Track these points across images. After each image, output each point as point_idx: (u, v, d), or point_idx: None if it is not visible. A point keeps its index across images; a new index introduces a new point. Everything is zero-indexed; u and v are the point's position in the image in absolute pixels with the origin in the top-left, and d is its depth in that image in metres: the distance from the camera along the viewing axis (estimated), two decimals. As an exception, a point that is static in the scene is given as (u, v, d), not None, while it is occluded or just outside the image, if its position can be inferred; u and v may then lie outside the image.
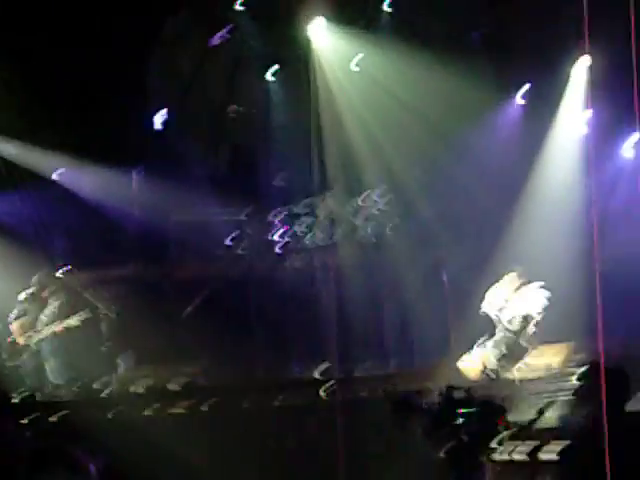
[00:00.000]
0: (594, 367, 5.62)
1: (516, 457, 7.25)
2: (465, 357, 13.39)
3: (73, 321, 12.72)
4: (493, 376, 12.44)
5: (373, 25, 20.68)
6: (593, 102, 18.05)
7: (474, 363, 12.95)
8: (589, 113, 18.08)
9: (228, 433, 11.19)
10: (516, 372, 12.68)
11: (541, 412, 6.66)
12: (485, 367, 12.60)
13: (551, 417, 7.42)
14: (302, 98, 19.72)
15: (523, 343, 12.86)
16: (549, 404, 8.41)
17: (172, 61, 20.15)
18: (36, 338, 12.72)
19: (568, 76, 18.48)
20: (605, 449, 4.92)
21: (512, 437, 6.50)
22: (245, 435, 11.32)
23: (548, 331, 13.35)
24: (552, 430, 7.55)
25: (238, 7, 19.99)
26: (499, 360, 12.71)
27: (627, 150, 19.19)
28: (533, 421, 6.55)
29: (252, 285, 17.39)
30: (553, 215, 16.54)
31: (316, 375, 12.55)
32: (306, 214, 17.32)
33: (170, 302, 16.88)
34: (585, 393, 5.74)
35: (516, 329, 12.84)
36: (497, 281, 13.49)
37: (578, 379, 6.02)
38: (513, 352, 12.81)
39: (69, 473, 2.51)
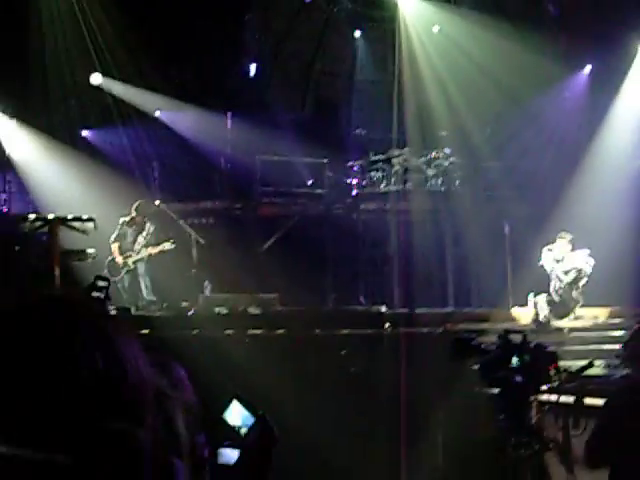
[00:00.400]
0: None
1: (563, 399, 7.16)
2: (520, 304, 13.35)
3: (167, 245, 12.85)
4: (544, 322, 12.33)
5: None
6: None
7: (528, 309, 12.87)
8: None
9: (300, 356, 11.25)
10: (566, 321, 12.59)
11: (590, 364, 6.53)
12: (537, 314, 12.49)
13: (597, 368, 7.36)
14: (386, 57, 19.60)
15: (574, 295, 12.71)
16: (596, 356, 8.32)
17: (266, 17, 20.12)
18: (134, 258, 12.90)
19: (634, 53, 18.10)
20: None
21: (562, 382, 6.37)
22: (315, 358, 11.37)
23: (596, 294, 13.18)
24: (598, 378, 7.46)
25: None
26: (551, 309, 12.58)
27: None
28: (582, 370, 6.42)
29: (328, 223, 17.43)
30: (610, 183, 16.25)
31: (382, 309, 12.52)
32: (383, 162, 17.21)
33: (253, 235, 16.99)
34: (630, 354, 5.64)
35: (569, 281, 12.69)
36: (553, 240, 13.27)
37: (625, 342, 5.89)
38: (565, 303, 12.71)
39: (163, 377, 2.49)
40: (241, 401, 2.54)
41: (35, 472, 1.21)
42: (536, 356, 5.98)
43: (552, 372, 6.18)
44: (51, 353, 1.28)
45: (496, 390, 6.10)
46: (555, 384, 6.42)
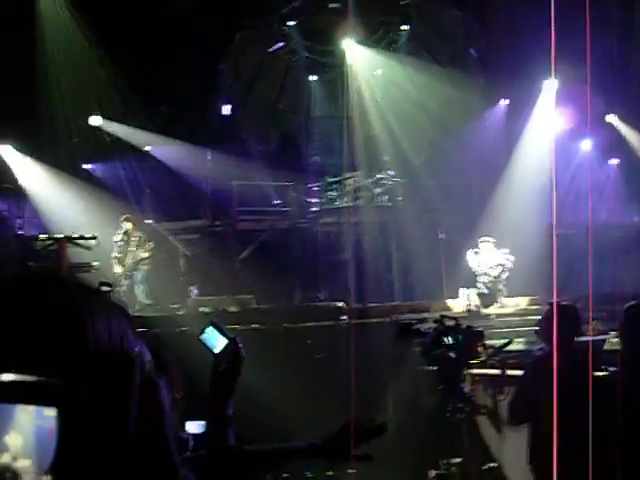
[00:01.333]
0: (551, 306, 5.56)
1: (490, 372, 7.19)
2: (453, 297, 13.39)
3: (150, 245, 12.68)
4: (475, 310, 12.36)
5: (393, 42, 20.54)
6: (559, 110, 17.94)
7: (460, 301, 12.91)
8: (556, 118, 18.00)
9: (272, 345, 11.19)
10: (492, 309, 12.63)
11: (510, 341, 6.56)
12: (469, 304, 12.52)
13: (518, 344, 7.39)
14: (337, 97, 19.65)
15: (499, 287, 12.77)
16: (518, 336, 8.38)
17: (237, 65, 20.13)
18: (129, 267, 12.75)
19: (541, 89, 18.35)
20: (554, 372, 4.90)
21: (488, 357, 6.40)
22: (285, 347, 11.32)
23: (517, 285, 13.25)
24: (518, 353, 7.47)
25: (290, 24, 19.95)
26: (480, 299, 12.62)
27: (582, 148, 19.17)
28: (503, 346, 6.45)
29: (294, 235, 17.44)
30: (525, 194, 16.41)
31: (339, 304, 12.49)
32: (337, 184, 17.25)
33: (232, 247, 16.94)
34: (543, 331, 5.66)
35: (494, 275, 12.73)
36: (477, 245, 13.32)
37: (539, 321, 5.91)
38: (491, 294, 12.75)
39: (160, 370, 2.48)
40: (216, 327, 2.59)
41: (32, 394, 1.16)
42: (466, 335, 5.98)
43: (480, 348, 6.21)
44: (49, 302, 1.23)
45: (434, 366, 6.11)
46: (483, 358, 6.45)
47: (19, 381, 1.15)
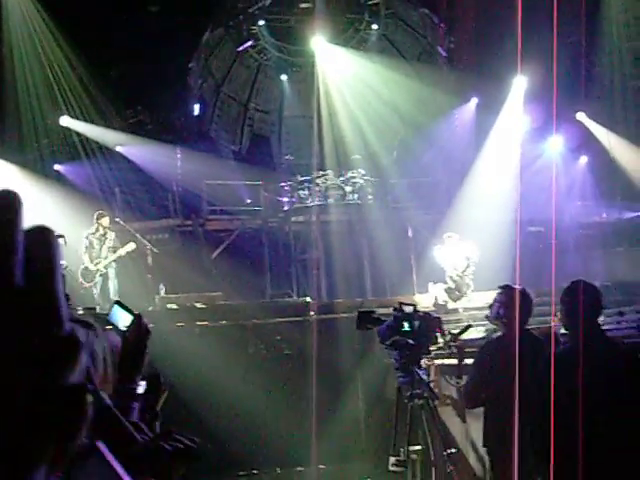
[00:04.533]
0: (502, 290, 5.65)
1: (453, 362, 7.30)
2: (423, 292, 13.50)
3: (131, 245, 12.64)
4: (443, 304, 12.45)
5: (363, 41, 20.70)
6: (527, 106, 18.15)
7: (428, 295, 13.01)
8: (524, 116, 18.23)
9: (241, 341, 11.23)
10: (460, 302, 12.70)
11: (468, 326, 6.65)
12: (436, 298, 12.62)
13: (476, 331, 7.48)
14: (308, 96, 19.76)
15: (466, 281, 12.83)
16: (475, 322, 8.49)
17: (207, 64, 20.17)
18: (104, 263, 12.70)
19: (510, 87, 18.52)
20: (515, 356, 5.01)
21: (446, 342, 6.49)
22: (255, 343, 11.36)
23: (484, 280, 13.34)
24: (478, 340, 7.57)
25: (260, 23, 20.03)
26: (448, 294, 12.71)
27: (548, 145, 19.36)
28: (461, 332, 6.53)
29: (265, 234, 17.49)
30: (491, 191, 16.54)
31: (307, 300, 12.54)
32: (308, 182, 17.32)
33: (202, 246, 16.94)
34: (494, 314, 5.76)
35: (461, 270, 12.79)
36: (441, 241, 13.39)
37: (490, 305, 5.99)
38: (458, 288, 12.79)
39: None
40: (121, 305, 2.72)
41: None
42: (424, 321, 6.06)
43: (438, 335, 6.29)
44: None
45: (393, 352, 6.17)
46: (441, 344, 6.54)
47: None
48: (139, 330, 2.68)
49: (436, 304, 12.57)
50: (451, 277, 12.83)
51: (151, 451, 2.07)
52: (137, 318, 2.71)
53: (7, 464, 0.80)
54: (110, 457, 1.50)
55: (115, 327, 2.75)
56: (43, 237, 1.03)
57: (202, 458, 2.43)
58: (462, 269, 12.80)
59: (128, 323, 2.71)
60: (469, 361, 6.88)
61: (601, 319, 6.47)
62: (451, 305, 12.62)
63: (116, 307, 2.79)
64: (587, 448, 4.00)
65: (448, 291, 12.82)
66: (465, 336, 6.79)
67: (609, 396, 4.04)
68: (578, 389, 4.01)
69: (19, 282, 0.85)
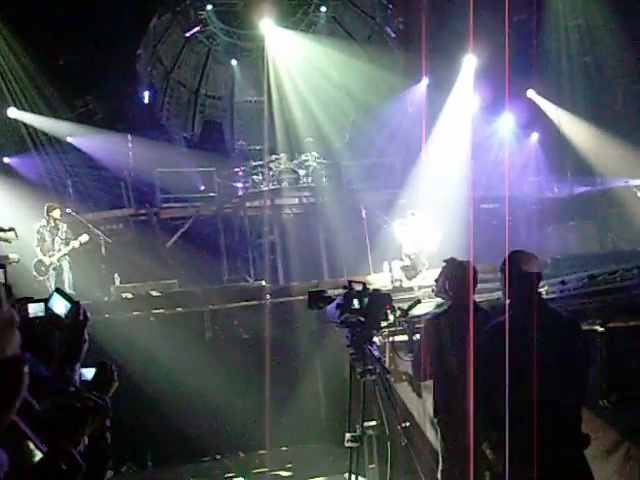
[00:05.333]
0: (447, 263, 5.75)
1: (397, 339, 7.37)
2: (378, 272, 13.59)
3: (84, 237, 12.53)
4: (398, 284, 12.52)
5: (312, 24, 20.69)
6: (477, 85, 18.34)
7: (383, 274, 13.10)
8: (475, 94, 18.42)
9: (198, 328, 11.26)
10: (415, 280, 12.75)
11: (418, 301, 6.71)
12: (392, 277, 12.68)
13: (427, 306, 7.55)
14: (259, 80, 19.71)
15: (422, 259, 12.87)
16: (424, 296, 8.58)
17: (155, 50, 20.00)
18: (57, 256, 12.57)
19: (460, 66, 18.68)
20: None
21: (397, 318, 6.56)
22: (212, 329, 11.39)
23: (439, 257, 13.41)
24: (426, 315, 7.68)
25: (208, 8, 19.92)
26: (404, 271, 12.76)
27: (500, 122, 19.62)
28: (410, 307, 6.60)
29: (220, 220, 17.47)
30: (445, 169, 16.70)
31: (263, 283, 12.57)
32: (262, 167, 17.33)
33: (157, 235, 16.85)
34: (439, 288, 5.83)
35: (419, 248, 12.82)
36: (403, 216, 13.45)
37: (435, 279, 6.07)
38: (414, 266, 12.84)
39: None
40: (61, 293, 2.77)
41: None
42: (374, 299, 6.14)
43: (388, 311, 6.37)
44: None
45: (344, 329, 6.23)
46: (391, 320, 6.62)
47: None
48: (77, 317, 2.73)
49: (392, 283, 12.65)
50: (408, 255, 12.89)
51: (62, 409, 2.13)
52: (76, 305, 2.76)
53: None
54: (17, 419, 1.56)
55: (54, 314, 2.79)
56: None
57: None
58: (420, 248, 12.82)
59: (67, 310, 2.76)
60: (419, 336, 7.01)
61: (545, 288, 6.68)
62: (407, 283, 12.69)
63: (55, 294, 2.83)
64: (521, 408, 4.12)
65: (404, 269, 12.89)
66: (416, 311, 6.87)
67: (546, 359, 4.17)
68: (518, 356, 4.13)
69: None
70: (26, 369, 1.33)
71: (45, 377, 2.25)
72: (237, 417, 10.65)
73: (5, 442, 1.49)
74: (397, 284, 12.57)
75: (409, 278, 12.84)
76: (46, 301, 2.87)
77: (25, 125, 17.55)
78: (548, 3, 19.42)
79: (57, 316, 2.78)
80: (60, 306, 2.80)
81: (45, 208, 12.79)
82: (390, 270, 12.95)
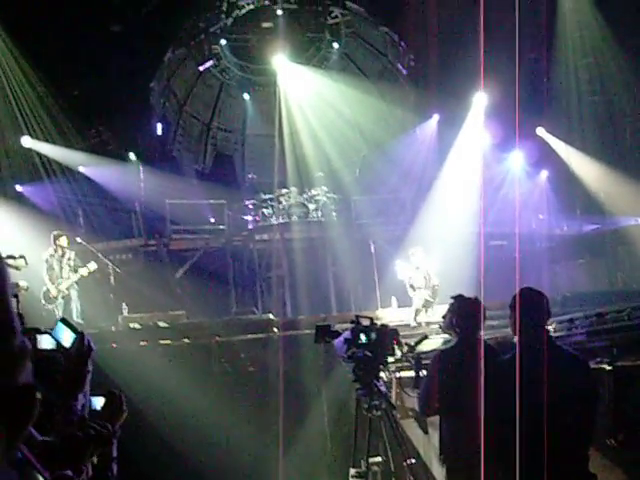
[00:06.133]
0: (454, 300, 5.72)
1: (404, 374, 7.34)
2: (386, 306, 13.54)
3: (92, 265, 12.54)
4: (407, 323, 12.41)
5: (325, 60, 20.87)
6: (488, 122, 18.39)
7: (391, 309, 13.07)
8: (485, 132, 18.48)
9: (204, 360, 11.20)
10: (422, 317, 12.65)
11: (425, 337, 6.72)
12: (416, 312, 12.50)
13: (435, 342, 7.53)
14: (271, 115, 19.87)
15: (428, 298, 12.76)
16: (430, 333, 8.54)
17: (169, 84, 20.21)
18: (66, 284, 12.59)
19: (471, 104, 18.77)
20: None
21: (404, 353, 6.55)
22: (218, 361, 11.33)
23: (446, 294, 13.30)
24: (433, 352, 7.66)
25: (222, 43, 20.13)
26: (415, 314, 12.60)
27: (510, 160, 19.66)
28: (418, 342, 6.60)
29: (229, 253, 17.52)
30: (455, 205, 16.71)
31: (270, 316, 12.53)
32: (272, 200, 17.39)
33: (166, 266, 16.90)
34: (446, 324, 5.80)
35: (424, 284, 12.71)
36: (406, 256, 13.36)
37: (443, 315, 6.04)
38: (422, 305, 12.74)
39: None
40: (65, 323, 2.76)
41: None
42: (380, 333, 6.14)
43: (395, 346, 6.36)
44: None
45: (351, 364, 6.21)
46: (398, 356, 6.60)
47: None
48: (81, 347, 2.74)
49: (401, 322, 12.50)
50: (415, 294, 12.76)
51: (64, 438, 2.14)
52: (80, 336, 2.77)
53: None
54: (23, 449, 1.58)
55: (58, 344, 2.79)
56: None
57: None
58: (425, 283, 12.77)
59: (71, 340, 2.77)
60: (422, 373, 6.97)
61: (553, 326, 6.66)
62: (416, 320, 12.61)
63: (60, 324, 2.83)
64: (529, 446, 4.10)
65: (413, 312, 12.72)
66: (424, 347, 6.85)
67: (553, 397, 4.15)
68: (524, 394, 4.11)
69: None
70: (38, 395, 1.36)
71: (51, 405, 2.26)
72: (242, 450, 10.57)
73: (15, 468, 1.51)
74: (405, 323, 12.36)
75: (418, 314, 12.70)
76: (51, 331, 2.88)
77: (38, 154, 17.72)
78: (559, 42, 19.55)
79: (62, 346, 2.79)
80: (65, 336, 2.81)
81: (52, 236, 12.83)
82: (397, 305, 12.88)
